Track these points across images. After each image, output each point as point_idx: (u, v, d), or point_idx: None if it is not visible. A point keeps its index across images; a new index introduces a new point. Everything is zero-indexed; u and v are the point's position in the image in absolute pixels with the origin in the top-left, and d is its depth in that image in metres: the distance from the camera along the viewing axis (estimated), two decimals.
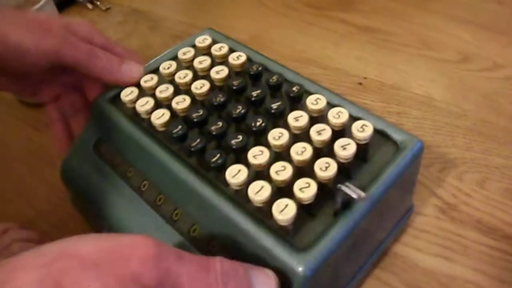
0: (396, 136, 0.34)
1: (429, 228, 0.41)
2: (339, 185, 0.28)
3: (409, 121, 0.50)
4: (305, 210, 0.29)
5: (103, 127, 0.39)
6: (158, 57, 0.43)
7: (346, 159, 0.30)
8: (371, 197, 0.30)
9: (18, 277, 0.21)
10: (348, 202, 0.29)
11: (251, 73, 0.37)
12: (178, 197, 0.34)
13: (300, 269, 0.27)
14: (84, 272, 0.22)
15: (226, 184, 0.31)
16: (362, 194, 0.28)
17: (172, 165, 0.33)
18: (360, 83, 0.55)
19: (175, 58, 0.41)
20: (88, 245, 0.23)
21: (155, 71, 0.40)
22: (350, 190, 0.28)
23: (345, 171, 0.31)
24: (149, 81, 0.37)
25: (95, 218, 0.39)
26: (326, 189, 0.30)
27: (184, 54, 0.40)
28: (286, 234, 0.29)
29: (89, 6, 0.75)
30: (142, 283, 0.22)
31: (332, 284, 0.31)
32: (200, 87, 0.36)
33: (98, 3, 0.75)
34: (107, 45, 0.40)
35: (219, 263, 0.25)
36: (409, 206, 0.39)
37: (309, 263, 0.27)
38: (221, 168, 0.31)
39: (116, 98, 0.39)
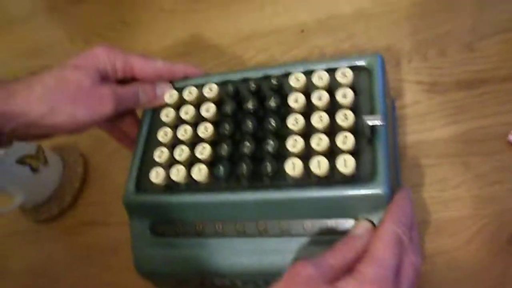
0: (360, 62, 0.41)
1: (428, 109, 0.49)
2: (364, 121, 0.35)
3: (360, 38, 0.56)
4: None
5: (148, 214, 0.43)
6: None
7: (350, 103, 0.38)
8: (382, 115, 0.38)
9: None
10: (373, 129, 0.37)
11: (230, 95, 0.43)
12: (253, 216, 0.39)
13: (380, 191, 0.34)
14: None
15: (284, 180, 0.38)
16: (379, 117, 0.35)
17: (235, 197, 0.38)
18: (302, 30, 0.61)
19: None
20: None
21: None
22: (373, 120, 0.35)
23: (353, 111, 0.38)
24: (161, 155, 0.42)
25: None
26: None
27: (166, 116, 0.44)
28: (353, 179, 0.36)
29: None
30: None
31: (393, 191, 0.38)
32: (206, 131, 0.41)
33: None
34: (145, 66, 0.44)
35: None
36: (392, 101, 0.47)
37: (383, 184, 0.34)
38: (276, 173, 0.37)
39: (139, 185, 0.43)
